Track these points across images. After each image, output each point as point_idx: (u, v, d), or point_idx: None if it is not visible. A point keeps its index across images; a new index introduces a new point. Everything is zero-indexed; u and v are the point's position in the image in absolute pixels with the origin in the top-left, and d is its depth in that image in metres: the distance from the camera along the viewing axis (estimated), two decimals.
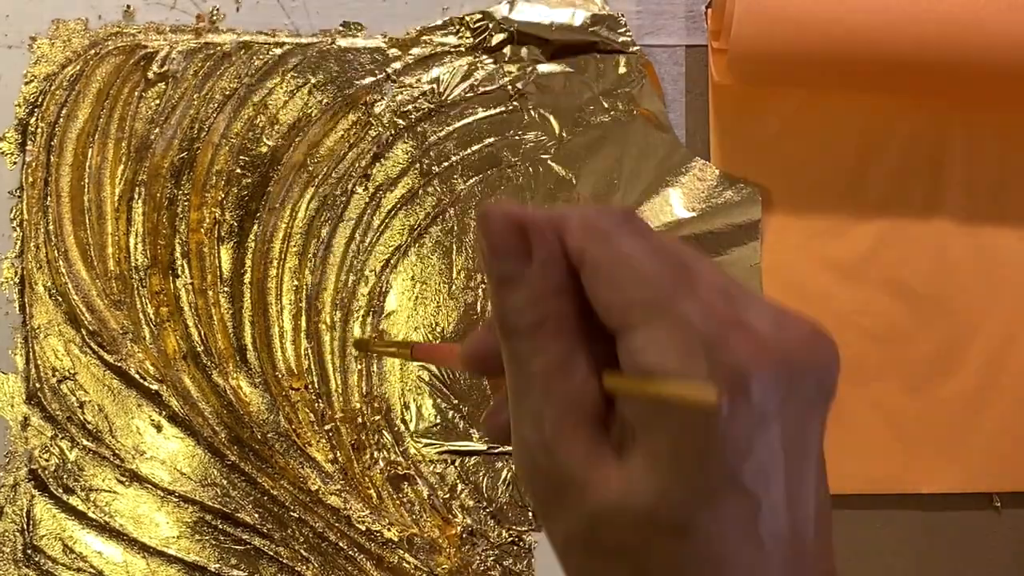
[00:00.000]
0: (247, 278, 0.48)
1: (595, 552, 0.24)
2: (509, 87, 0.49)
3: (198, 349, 0.48)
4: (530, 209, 0.26)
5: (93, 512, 0.47)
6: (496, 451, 0.48)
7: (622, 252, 0.25)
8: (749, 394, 0.23)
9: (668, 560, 0.23)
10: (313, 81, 0.49)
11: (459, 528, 0.47)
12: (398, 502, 0.47)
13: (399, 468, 0.48)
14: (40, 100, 0.48)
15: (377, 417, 0.48)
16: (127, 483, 0.47)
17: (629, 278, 0.24)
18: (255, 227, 0.48)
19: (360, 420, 0.48)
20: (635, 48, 0.49)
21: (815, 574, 0.25)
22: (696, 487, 0.23)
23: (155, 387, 0.47)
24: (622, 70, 0.49)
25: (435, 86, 0.49)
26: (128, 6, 0.49)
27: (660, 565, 0.24)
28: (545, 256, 0.25)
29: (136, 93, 0.49)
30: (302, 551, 0.47)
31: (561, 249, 0.25)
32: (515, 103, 0.49)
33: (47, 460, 0.47)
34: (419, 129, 0.49)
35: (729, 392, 0.23)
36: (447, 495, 0.48)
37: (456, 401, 0.48)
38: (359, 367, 0.48)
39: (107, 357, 0.47)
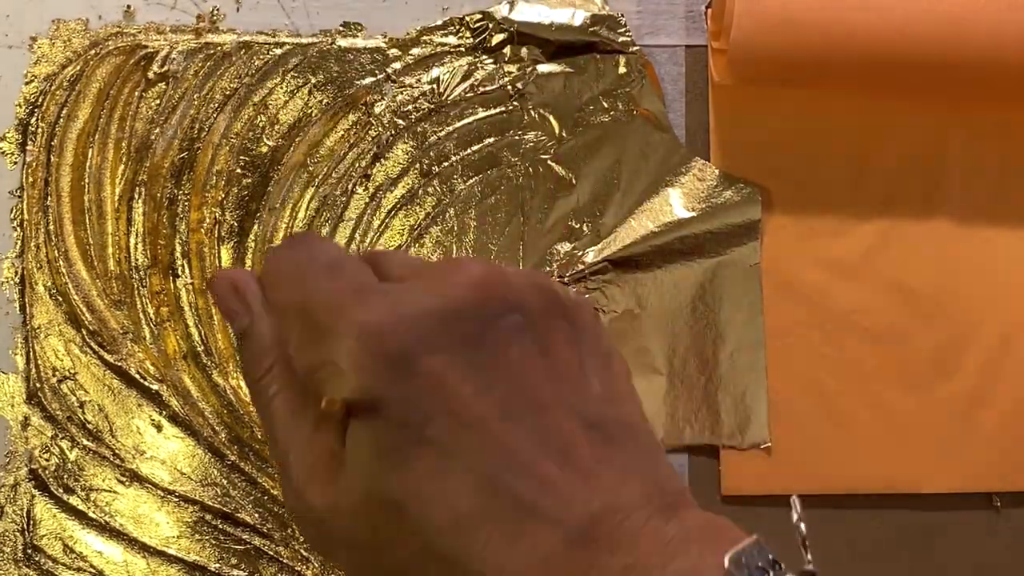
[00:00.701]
0: None
1: (371, 570, 0.26)
2: (509, 87, 0.49)
3: (198, 349, 0.48)
4: (248, 271, 0.30)
5: (93, 512, 0.47)
6: None
7: (280, 260, 0.29)
8: (390, 347, 0.24)
9: (403, 545, 0.24)
10: (313, 81, 0.49)
11: None
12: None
13: None
14: (40, 100, 0.48)
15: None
16: (127, 483, 0.47)
17: (284, 285, 0.28)
18: (255, 227, 0.48)
19: None
20: (635, 48, 0.49)
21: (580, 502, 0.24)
22: (382, 459, 0.24)
23: (155, 387, 0.47)
24: (622, 70, 0.49)
25: (435, 86, 0.49)
26: (128, 6, 0.49)
27: (403, 555, 0.24)
28: (257, 310, 0.28)
29: (136, 93, 0.49)
30: (302, 551, 0.47)
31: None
32: (515, 103, 0.49)
33: (47, 460, 0.47)
34: (419, 129, 0.49)
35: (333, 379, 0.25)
36: None
37: None
38: None
39: (107, 357, 0.47)
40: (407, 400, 0.24)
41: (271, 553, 0.47)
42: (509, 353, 0.25)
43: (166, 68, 0.49)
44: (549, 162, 0.49)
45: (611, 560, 0.22)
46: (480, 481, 0.23)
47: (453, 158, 0.49)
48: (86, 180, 0.48)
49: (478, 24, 0.50)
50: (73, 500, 0.47)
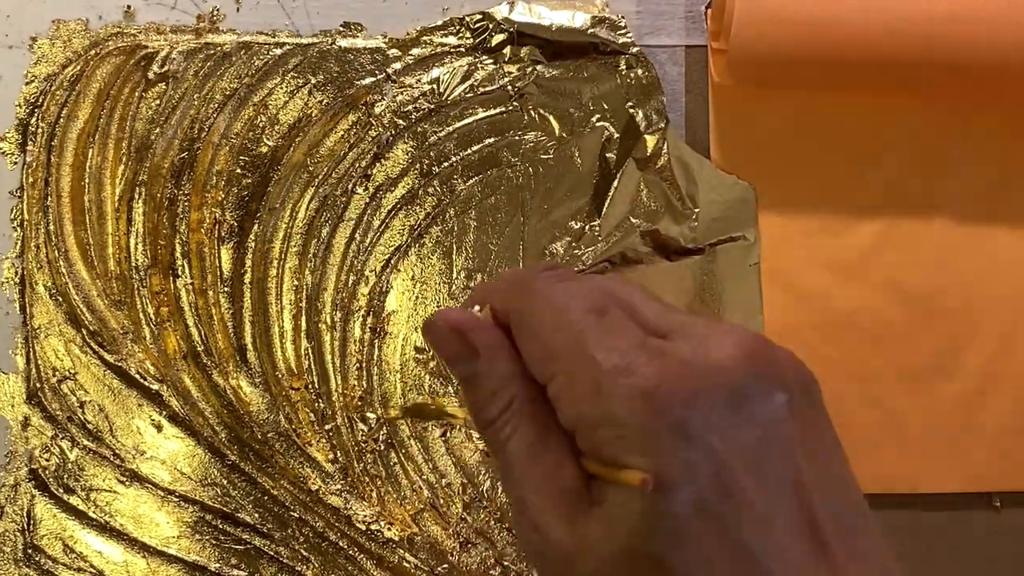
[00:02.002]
0: (247, 278, 0.48)
1: None
2: (509, 87, 0.49)
3: (198, 349, 0.48)
4: (465, 312, 0.28)
5: (93, 512, 0.47)
6: None
7: (538, 301, 0.26)
8: (660, 412, 0.23)
9: None
10: (313, 81, 0.49)
11: (459, 528, 0.47)
12: (398, 502, 0.47)
13: (399, 468, 0.48)
14: (40, 100, 0.49)
15: (376, 416, 0.48)
16: (127, 483, 0.47)
17: (546, 325, 0.25)
18: (255, 227, 0.48)
19: (360, 419, 0.48)
20: (635, 49, 0.49)
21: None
22: (651, 515, 0.23)
23: (155, 387, 0.47)
24: (622, 70, 0.49)
25: (435, 86, 0.49)
26: (128, 6, 0.49)
27: None
28: (488, 348, 0.27)
29: (136, 93, 0.49)
30: (302, 551, 0.47)
31: (499, 337, 0.27)
32: (515, 103, 0.49)
33: (47, 460, 0.47)
34: (419, 129, 0.49)
35: (636, 417, 0.23)
36: (448, 496, 0.48)
37: (457, 400, 0.48)
38: (359, 367, 0.48)
39: (107, 357, 0.47)
40: (687, 470, 0.23)
41: (271, 553, 0.47)
42: (779, 432, 0.25)
43: (166, 68, 0.49)
44: (549, 162, 0.49)
45: None
46: (738, 551, 0.23)
47: (453, 158, 0.49)
48: (86, 180, 0.48)
49: (478, 24, 0.50)
50: (73, 500, 0.47)
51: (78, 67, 0.49)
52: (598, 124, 0.49)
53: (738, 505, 0.23)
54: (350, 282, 0.48)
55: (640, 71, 0.49)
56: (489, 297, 0.28)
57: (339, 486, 0.47)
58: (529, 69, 0.49)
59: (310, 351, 0.48)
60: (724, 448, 0.24)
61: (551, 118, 0.49)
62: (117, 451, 0.47)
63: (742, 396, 0.25)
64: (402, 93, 0.49)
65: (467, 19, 0.50)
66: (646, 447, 0.23)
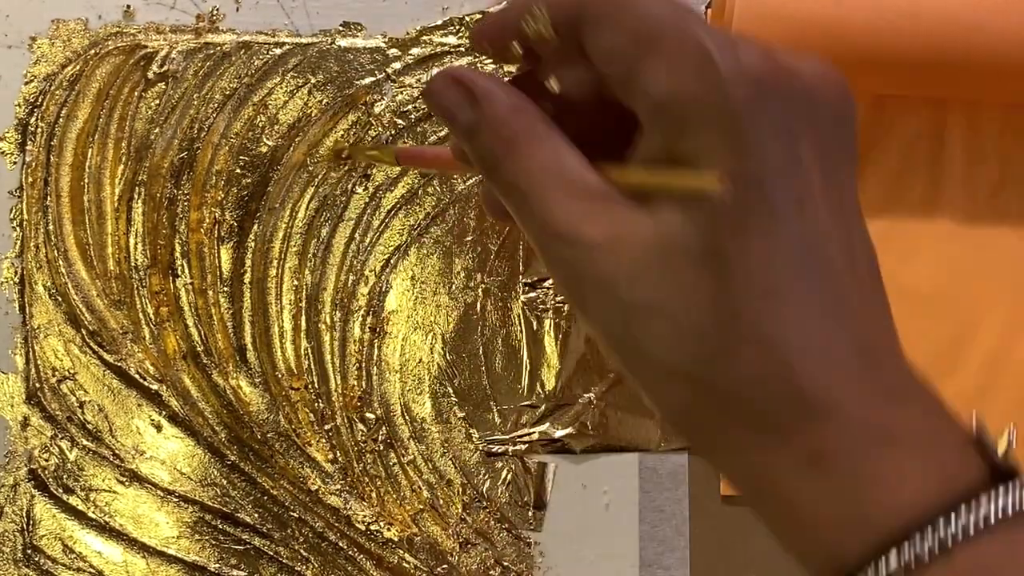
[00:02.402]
0: (247, 278, 0.48)
1: (634, 319, 0.24)
2: None
3: (198, 349, 0.48)
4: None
5: (93, 512, 0.47)
6: (496, 452, 0.48)
7: None
8: (765, 100, 0.22)
9: (704, 303, 0.22)
10: (313, 81, 0.49)
11: (458, 528, 0.47)
12: (398, 502, 0.47)
13: (399, 468, 0.48)
14: (40, 100, 0.48)
15: (376, 416, 0.48)
16: (127, 483, 0.47)
17: (633, 11, 0.24)
18: (255, 227, 0.48)
19: (360, 419, 0.48)
20: None
21: (882, 342, 0.24)
22: (718, 209, 0.22)
23: (155, 387, 0.47)
24: None
25: None
26: (128, 6, 0.49)
27: (697, 310, 0.23)
28: (486, 90, 0.26)
29: (136, 93, 0.49)
30: (302, 551, 0.47)
31: (499, 81, 0.26)
32: None
33: (47, 460, 0.47)
34: (419, 129, 0.49)
35: (744, 100, 0.22)
36: (448, 496, 0.48)
37: (456, 400, 0.48)
38: (358, 367, 0.48)
39: (107, 357, 0.47)
40: (774, 171, 0.22)
41: (271, 553, 0.47)
42: (854, 164, 0.24)
43: (166, 68, 0.49)
44: None
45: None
46: (803, 257, 0.23)
47: None
48: (86, 180, 0.48)
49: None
50: (73, 500, 0.47)
51: (77, 67, 0.49)
52: None
53: (812, 218, 0.23)
54: (350, 282, 0.48)
55: None
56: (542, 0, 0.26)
57: (339, 486, 0.47)
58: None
59: (310, 351, 0.48)
60: (811, 157, 0.23)
61: None
62: (117, 451, 0.47)
63: (842, 116, 0.24)
64: (402, 93, 0.49)
65: (467, 19, 0.50)
66: (738, 136, 0.22)
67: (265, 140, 0.49)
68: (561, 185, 0.24)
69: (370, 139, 0.49)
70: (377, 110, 0.49)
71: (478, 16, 0.49)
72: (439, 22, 0.50)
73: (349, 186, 0.49)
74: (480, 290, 0.48)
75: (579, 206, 0.24)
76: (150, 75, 0.49)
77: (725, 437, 0.24)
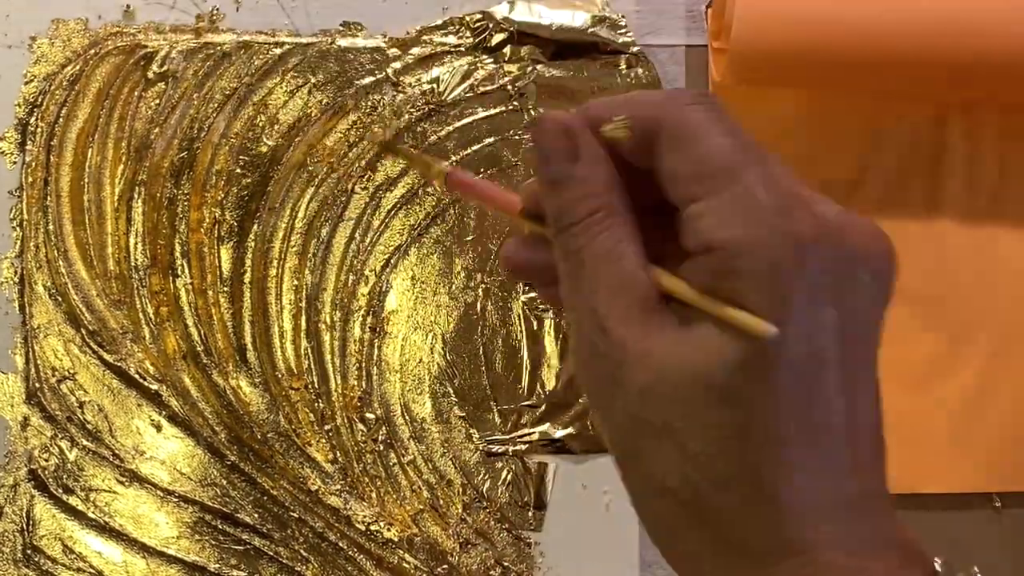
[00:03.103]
0: (247, 278, 0.48)
1: (643, 432, 0.25)
2: (509, 87, 0.49)
3: (198, 349, 0.48)
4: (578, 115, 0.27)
5: (93, 512, 0.47)
6: (496, 452, 0.48)
7: (695, 120, 0.25)
8: (804, 265, 0.24)
9: (714, 434, 0.24)
10: (313, 81, 0.49)
11: (459, 528, 0.47)
12: (398, 502, 0.47)
13: (399, 468, 0.48)
14: (40, 100, 0.48)
15: (376, 416, 0.48)
16: (127, 483, 0.47)
17: (700, 147, 0.25)
18: (255, 227, 0.48)
19: (360, 419, 0.48)
20: (635, 48, 0.49)
21: (870, 494, 0.26)
22: (748, 354, 0.23)
23: (155, 387, 0.47)
24: (622, 70, 0.49)
25: (435, 86, 0.49)
26: (128, 6, 0.49)
27: (705, 440, 0.24)
28: (591, 154, 0.27)
29: (136, 93, 0.49)
30: (302, 551, 0.47)
31: (602, 150, 0.27)
32: (515, 103, 0.49)
33: (47, 460, 0.47)
34: (419, 129, 0.49)
35: (786, 261, 0.23)
36: (448, 496, 0.48)
37: (456, 400, 0.48)
38: (359, 367, 0.48)
39: (107, 357, 0.47)
40: (807, 331, 0.24)
41: (271, 553, 0.47)
42: (877, 328, 0.26)
43: (166, 68, 0.49)
44: None
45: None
46: (813, 421, 0.24)
47: (453, 157, 0.49)
48: (86, 180, 0.48)
49: (478, 24, 0.50)
50: (73, 500, 0.47)
51: (77, 67, 0.49)
52: None
53: (825, 381, 0.24)
54: (350, 282, 0.48)
55: (640, 70, 0.49)
56: (627, 108, 0.27)
57: (339, 486, 0.47)
58: (529, 68, 0.49)
59: (310, 351, 0.48)
60: (838, 322, 0.24)
61: None
62: (116, 451, 0.47)
63: (881, 275, 0.26)
64: (402, 93, 0.49)
65: (467, 19, 0.50)
66: (776, 295, 0.23)
67: (265, 140, 0.49)
68: (617, 275, 0.26)
69: (369, 139, 0.49)
70: (377, 110, 0.49)
71: (479, 16, 0.49)
72: (439, 22, 0.50)
73: (349, 186, 0.49)
74: (480, 290, 0.48)
75: (625, 304, 0.25)
76: (150, 75, 0.49)
77: (704, 556, 0.25)
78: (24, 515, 0.47)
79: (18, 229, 0.48)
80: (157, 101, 0.49)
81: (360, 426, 0.48)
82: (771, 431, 0.24)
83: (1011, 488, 0.48)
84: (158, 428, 0.47)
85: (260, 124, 0.49)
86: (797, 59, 0.45)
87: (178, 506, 0.47)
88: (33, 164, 0.48)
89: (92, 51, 0.49)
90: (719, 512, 0.24)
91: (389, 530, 0.47)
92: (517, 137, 0.49)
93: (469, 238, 0.49)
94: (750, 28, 0.44)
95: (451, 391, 0.48)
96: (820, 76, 0.46)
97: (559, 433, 0.48)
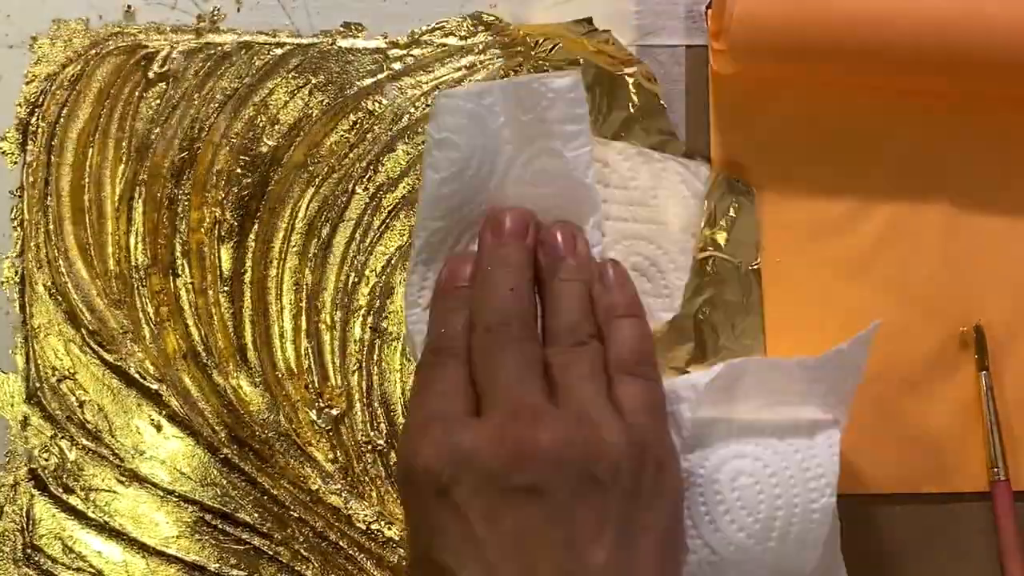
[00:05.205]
0: (247, 278, 0.48)
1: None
2: None
3: (198, 349, 0.48)
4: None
5: (93, 512, 0.47)
6: None
7: None
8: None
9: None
10: (314, 81, 0.49)
11: None
12: (398, 502, 0.47)
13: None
14: (41, 100, 0.49)
15: (377, 416, 0.48)
16: (127, 483, 0.47)
17: None
18: (255, 227, 0.48)
19: (360, 419, 0.48)
20: (635, 48, 0.49)
21: None
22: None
23: (155, 387, 0.47)
24: (622, 70, 0.49)
25: (437, 87, 0.49)
26: (129, 6, 0.49)
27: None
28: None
29: (137, 93, 0.49)
30: (302, 551, 0.47)
31: None
32: None
33: (47, 460, 0.47)
34: (420, 129, 0.49)
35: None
36: None
37: None
38: (359, 367, 0.48)
39: (107, 356, 0.47)
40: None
41: (271, 553, 0.47)
42: (518, 515, 0.30)
43: (166, 68, 0.49)
44: None
45: None
46: None
47: None
48: (86, 180, 0.48)
49: (478, 25, 0.50)
50: (72, 500, 0.47)
51: (78, 67, 0.49)
52: (597, 125, 0.49)
53: (476, 553, 0.30)
54: (350, 282, 0.48)
55: (640, 71, 0.49)
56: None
57: (339, 486, 0.47)
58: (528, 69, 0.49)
59: (310, 351, 0.48)
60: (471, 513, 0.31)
61: None
62: (116, 451, 0.47)
63: (495, 484, 0.32)
64: (403, 94, 0.49)
65: (467, 19, 0.50)
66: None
67: (265, 140, 0.49)
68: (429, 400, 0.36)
69: (370, 139, 0.49)
70: (378, 110, 0.49)
71: (479, 16, 0.50)
72: (440, 23, 0.50)
73: (350, 186, 0.49)
74: None
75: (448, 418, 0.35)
76: (151, 75, 0.49)
77: None
78: (24, 514, 0.47)
79: (18, 229, 0.48)
80: (158, 101, 0.49)
81: (360, 426, 0.48)
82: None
83: (1012, 488, 0.48)
84: (158, 428, 0.47)
85: (261, 124, 0.49)
86: (797, 39, 0.44)
87: (178, 506, 0.47)
88: (34, 164, 0.48)
89: (93, 51, 0.49)
90: None
91: (389, 529, 0.47)
92: None
93: None
94: (751, 28, 0.44)
95: None
96: (821, 60, 0.46)
97: None
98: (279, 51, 0.49)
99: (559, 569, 0.29)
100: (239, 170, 0.49)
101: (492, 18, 0.50)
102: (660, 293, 0.47)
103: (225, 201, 0.48)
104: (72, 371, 0.47)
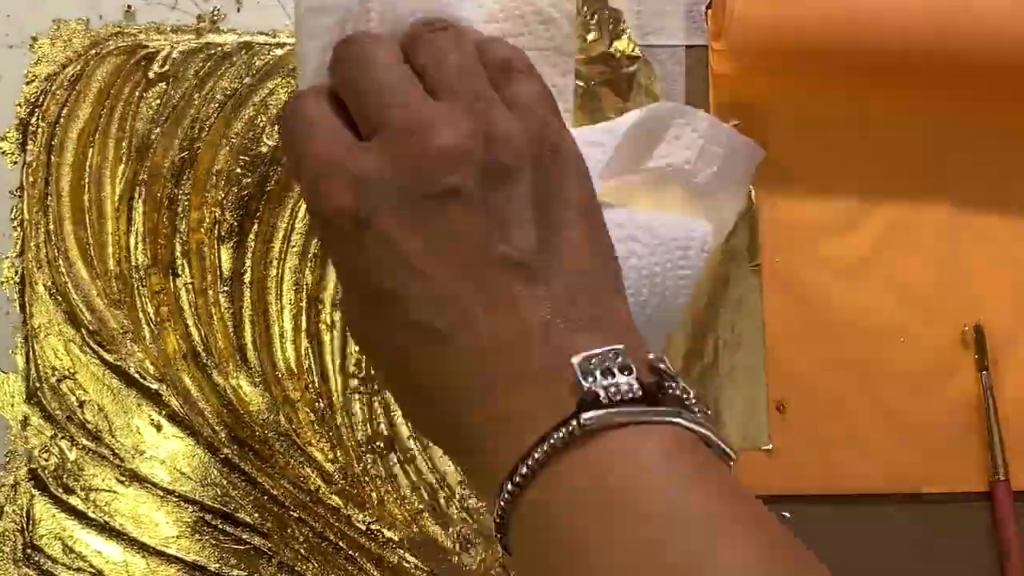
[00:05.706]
0: (247, 278, 0.48)
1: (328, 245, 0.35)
2: None
3: (198, 349, 0.48)
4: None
5: (93, 512, 0.47)
6: None
7: None
8: None
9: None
10: None
11: (459, 528, 0.47)
12: (398, 502, 0.47)
13: (399, 468, 0.48)
14: (41, 100, 0.49)
15: (377, 416, 0.48)
16: (127, 483, 0.47)
17: None
18: (255, 227, 0.48)
19: (360, 419, 0.48)
20: (635, 48, 0.49)
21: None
22: None
23: (155, 387, 0.47)
24: (622, 70, 0.49)
25: None
26: (129, 6, 0.49)
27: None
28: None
29: (137, 93, 0.49)
30: (302, 551, 0.47)
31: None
32: None
33: (47, 460, 0.47)
34: None
35: None
36: (448, 496, 0.48)
37: None
38: (359, 367, 0.48)
39: (107, 356, 0.47)
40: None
41: (271, 553, 0.47)
42: (441, 220, 0.30)
43: (167, 68, 0.49)
44: None
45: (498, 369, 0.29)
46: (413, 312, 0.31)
47: None
48: (86, 180, 0.48)
49: None
50: (73, 500, 0.47)
51: (78, 67, 0.49)
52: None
53: (411, 274, 0.31)
54: None
55: (639, 72, 0.49)
56: None
57: (339, 486, 0.47)
58: None
59: (310, 351, 0.48)
60: (397, 232, 0.31)
61: None
62: (116, 451, 0.47)
63: (414, 193, 0.31)
64: None
65: None
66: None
67: (265, 140, 0.49)
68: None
69: None
70: None
71: None
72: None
73: None
74: None
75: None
76: (151, 75, 0.49)
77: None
78: (24, 514, 0.47)
79: (19, 229, 0.48)
80: (158, 101, 0.49)
81: (360, 426, 0.48)
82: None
83: (1013, 488, 0.48)
84: (158, 428, 0.47)
85: (261, 124, 0.49)
86: (796, 36, 0.44)
87: (178, 506, 0.47)
88: (34, 164, 0.48)
89: (93, 51, 0.49)
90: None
91: (389, 530, 0.47)
92: None
93: None
94: (750, 27, 0.44)
95: None
96: (820, 59, 0.46)
97: None
98: (279, 51, 0.49)
99: (497, 257, 0.30)
100: (239, 170, 0.49)
101: None
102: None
103: (225, 201, 0.48)
104: (72, 371, 0.47)
